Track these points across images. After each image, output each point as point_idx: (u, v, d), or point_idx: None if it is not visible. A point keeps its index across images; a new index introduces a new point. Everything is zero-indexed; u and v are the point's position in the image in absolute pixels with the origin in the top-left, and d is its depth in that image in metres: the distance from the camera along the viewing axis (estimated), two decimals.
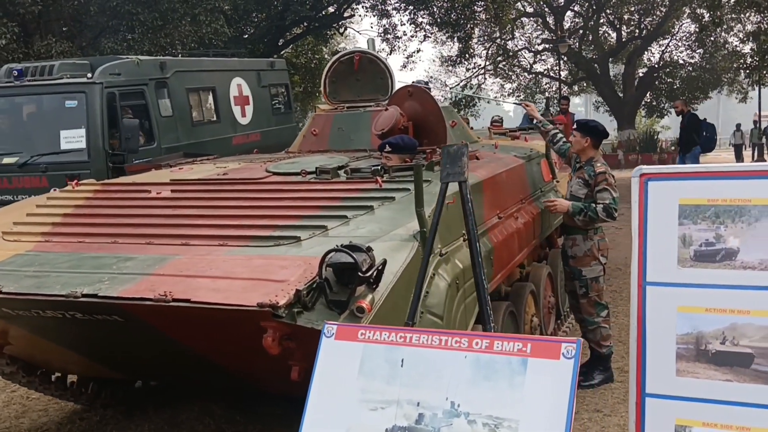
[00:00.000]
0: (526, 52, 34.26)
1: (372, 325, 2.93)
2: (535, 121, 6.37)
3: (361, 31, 33.32)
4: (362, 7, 26.63)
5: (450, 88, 33.81)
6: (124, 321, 3.57)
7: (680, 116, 13.95)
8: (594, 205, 5.40)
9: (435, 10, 26.40)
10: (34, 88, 9.75)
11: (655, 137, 31.48)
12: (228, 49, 22.25)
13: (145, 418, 5.46)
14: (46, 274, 3.71)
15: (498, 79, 35.29)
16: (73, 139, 9.55)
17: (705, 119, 14.24)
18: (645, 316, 2.38)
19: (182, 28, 16.27)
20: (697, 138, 13.47)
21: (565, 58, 31.72)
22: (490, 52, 33.29)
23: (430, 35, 28.50)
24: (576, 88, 36.01)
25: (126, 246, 4.04)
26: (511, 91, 35.80)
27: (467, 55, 31.14)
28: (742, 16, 26.97)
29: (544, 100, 31.12)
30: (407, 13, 26.71)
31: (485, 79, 33.96)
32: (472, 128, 8.15)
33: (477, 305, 4.46)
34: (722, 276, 2.33)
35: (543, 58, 34.56)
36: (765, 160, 22.28)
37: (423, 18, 27.18)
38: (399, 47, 28.55)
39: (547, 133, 6.15)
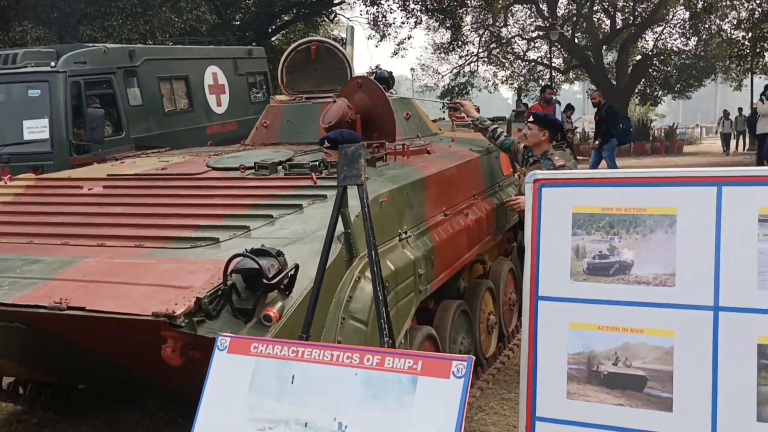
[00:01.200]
0: (520, 39, 33.93)
1: (266, 338, 2.75)
2: (470, 120, 6.08)
3: (351, 18, 32.85)
4: None
5: (443, 75, 33.56)
6: (27, 328, 3.40)
7: (596, 108, 13.77)
8: (496, 128, 5.47)
9: None
10: None
11: (649, 125, 31.24)
12: (214, 36, 22.05)
13: (85, 420, 5.30)
14: None
15: (491, 67, 34.98)
16: (36, 129, 9.34)
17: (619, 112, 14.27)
18: (537, 333, 2.22)
19: (162, 14, 16.00)
20: (614, 130, 13.35)
21: (558, 46, 31.43)
22: (483, 39, 32.98)
23: (420, 22, 28.19)
24: (571, 75, 35.74)
25: (40, 247, 3.86)
26: (504, 78, 35.53)
27: (460, 42, 30.91)
28: (736, 2, 26.69)
29: (538, 89, 30.86)
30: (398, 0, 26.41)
31: (478, 66, 33.64)
32: (443, 119, 7.95)
33: (413, 306, 4.31)
34: (615, 291, 2.16)
35: (537, 45, 34.23)
36: (753, 150, 22.05)
37: (414, 5, 26.90)
38: (390, 34, 28.22)
39: (486, 130, 5.93)
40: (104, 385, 4.99)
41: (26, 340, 3.65)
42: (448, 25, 28.15)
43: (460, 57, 33.04)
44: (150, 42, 15.53)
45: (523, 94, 31.18)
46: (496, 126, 5.98)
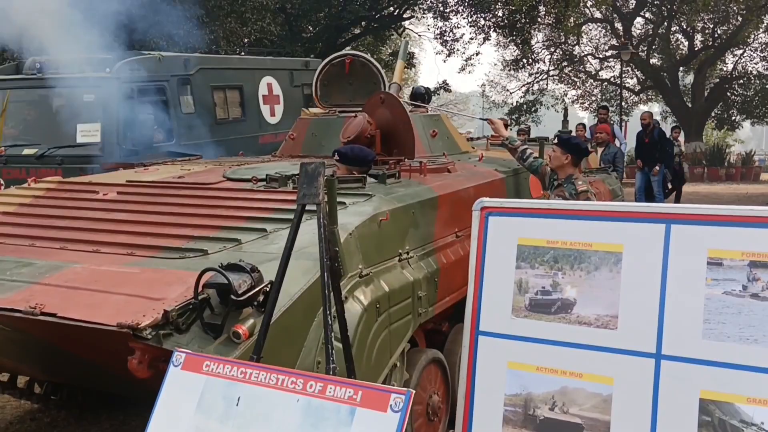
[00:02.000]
0: (592, 58, 33.31)
1: (218, 357, 2.69)
2: (502, 139, 5.88)
3: (420, 33, 32.85)
4: (419, 8, 26.32)
5: (511, 92, 33.21)
6: (10, 330, 3.43)
7: (646, 129, 12.93)
8: (526, 149, 5.34)
9: (499, 13, 25.93)
10: (55, 81, 9.82)
11: (726, 151, 30.17)
12: (282, 47, 22.39)
13: (96, 422, 5.36)
14: None
15: (562, 85, 34.44)
16: (89, 132, 9.59)
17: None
18: (475, 370, 2.08)
19: (228, 25, 16.30)
20: (661, 156, 12.59)
21: (632, 66, 30.69)
22: (554, 57, 32.51)
23: (489, 38, 27.95)
24: (645, 96, 34.87)
25: (38, 250, 3.91)
26: (575, 98, 34.94)
27: (530, 60, 30.53)
28: None
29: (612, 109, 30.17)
30: (467, 15, 26.27)
31: (548, 84, 33.16)
32: (474, 138, 7.79)
33: (410, 329, 4.18)
34: (556, 330, 2.01)
35: (610, 64, 33.53)
36: None
37: (485, 21, 26.72)
38: (458, 50, 28.08)
39: (515, 150, 5.74)
40: (100, 389, 5.01)
41: (13, 341, 3.69)
42: (518, 41, 27.84)
43: (530, 74, 32.66)
44: (220, 51, 15.84)
45: (594, 115, 30.49)
46: (525, 147, 5.78)
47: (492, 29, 26.91)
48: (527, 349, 2.06)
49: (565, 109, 8.41)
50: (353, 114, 5.48)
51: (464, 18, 26.19)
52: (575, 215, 2.05)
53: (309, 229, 3.86)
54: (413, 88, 8.80)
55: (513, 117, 31.36)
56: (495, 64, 34.11)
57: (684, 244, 1.99)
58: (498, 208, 2.13)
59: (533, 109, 32.29)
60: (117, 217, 4.33)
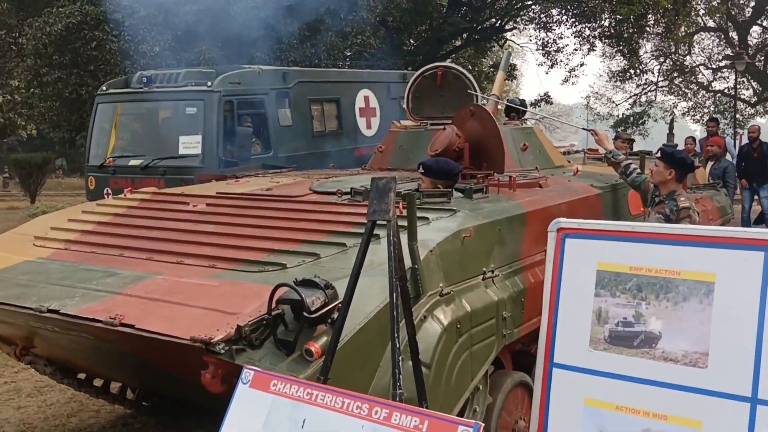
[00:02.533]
0: (704, 68, 31.93)
1: (286, 376, 2.62)
2: (604, 152, 5.66)
3: (522, 44, 32.39)
4: (521, 19, 25.96)
5: (616, 104, 32.25)
6: (95, 339, 3.49)
7: (753, 143, 11.87)
8: (630, 164, 5.13)
9: (605, 23, 25.28)
10: (160, 95, 10.18)
11: None
12: (383, 60, 22.51)
13: (185, 430, 5.43)
14: (34, 284, 3.72)
15: (671, 97, 33.18)
16: (190, 144, 9.88)
17: None
18: (548, 406, 1.92)
19: (329, 39, 16.54)
20: None
21: (748, 77, 29.24)
22: (663, 67, 31.36)
23: (594, 49, 27.23)
24: (761, 108, 33.11)
25: (126, 260, 3.99)
26: (685, 110, 33.58)
27: (638, 71, 29.55)
28: None
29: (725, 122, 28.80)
30: (571, 26, 25.71)
31: (656, 96, 32.01)
32: (571, 151, 7.52)
33: (494, 351, 4.01)
34: (639, 366, 1.82)
35: (724, 75, 32.06)
36: None
37: (591, 31, 26.08)
38: (561, 61, 27.51)
39: (618, 165, 5.50)
40: (182, 398, 5.06)
41: (101, 350, 3.76)
42: (625, 52, 27.00)
43: (638, 86, 31.64)
44: (321, 65, 16.09)
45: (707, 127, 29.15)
46: (629, 162, 5.53)
47: (597, 39, 26.26)
48: (606, 385, 1.89)
49: (671, 122, 8.02)
50: (442, 126, 5.36)
51: (568, 28, 25.67)
52: (662, 239, 1.87)
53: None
54: (508, 99, 8.59)
55: (619, 129, 30.40)
56: (600, 75, 33.29)
57: None
58: (576, 229, 1.97)
59: (640, 121, 31.23)
60: (203, 228, 4.36)
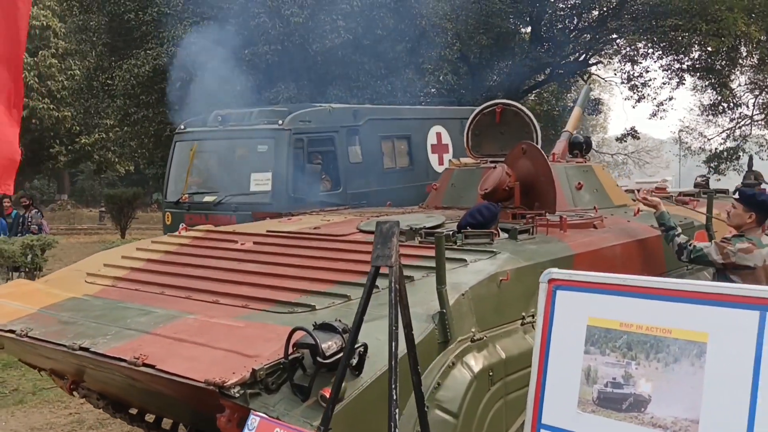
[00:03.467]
0: None
1: (290, 425, 2.56)
2: (655, 214, 4.96)
3: (607, 78, 31.74)
4: (605, 53, 25.48)
5: (710, 138, 31.08)
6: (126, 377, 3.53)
7: None
8: (679, 235, 4.78)
9: (694, 55, 24.58)
10: (233, 133, 10.44)
11: None
12: (462, 96, 22.50)
13: None
14: (74, 321, 3.80)
15: None
16: (261, 181, 10.05)
17: None
18: None
19: (405, 76, 16.66)
20: None
21: None
22: (758, 100, 30.08)
23: (684, 82, 26.41)
24: None
25: (166, 298, 4.04)
26: None
27: (731, 104, 28.46)
28: None
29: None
30: (658, 59, 25.08)
31: (751, 130, 30.69)
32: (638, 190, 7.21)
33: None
34: (627, 431, 1.67)
35: None
36: None
37: (679, 63, 25.38)
38: (648, 95, 26.81)
39: (665, 234, 4.88)
40: None
41: (132, 385, 3.80)
42: (716, 85, 26.10)
43: (731, 119, 30.43)
44: (397, 103, 16.21)
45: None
46: (674, 233, 4.82)
47: (686, 72, 25.51)
48: None
49: (750, 158, 7.61)
50: (494, 165, 5.26)
51: (655, 61, 25.04)
52: (654, 294, 1.72)
53: (424, 287, 3.69)
54: (571, 137, 8.37)
55: (712, 165, 29.29)
56: (691, 109, 32.18)
57: None
58: (568, 281, 1.85)
59: (734, 156, 29.98)
60: (245, 267, 4.39)
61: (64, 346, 3.48)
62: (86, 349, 3.39)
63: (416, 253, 4.15)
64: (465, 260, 3.93)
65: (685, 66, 25.25)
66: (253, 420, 2.62)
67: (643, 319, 1.73)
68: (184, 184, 10.94)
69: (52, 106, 21.03)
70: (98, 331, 3.59)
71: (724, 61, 24.25)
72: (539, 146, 6.51)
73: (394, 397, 2.47)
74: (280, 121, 10.14)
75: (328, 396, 2.90)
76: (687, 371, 1.66)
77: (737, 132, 30.67)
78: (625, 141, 28.81)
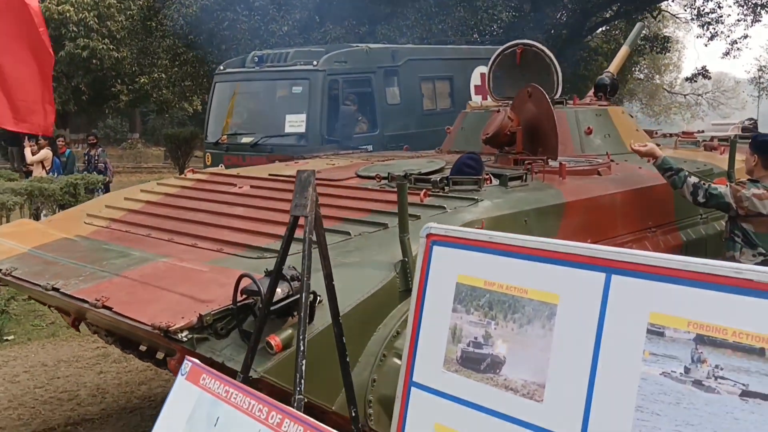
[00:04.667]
0: None
1: (214, 371, 2.56)
2: (652, 162, 4.62)
3: (678, 15, 30.27)
4: None
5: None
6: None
7: None
8: (690, 175, 4.44)
9: None
10: (269, 74, 10.42)
11: None
12: (523, 35, 21.81)
13: None
14: (56, 261, 3.89)
15: None
16: (296, 123, 10.05)
17: None
18: (405, 428, 1.73)
19: (456, 14, 16.25)
20: None
21: None
22: None
23: (760, 18, 25.00)
24: None
25: (150, 241, 4.09)
26: None
27: None
28: None
29: None
30: None
31: None
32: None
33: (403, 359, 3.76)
34: (482, 393, 1.61)
35: None
36: None
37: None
38: (722, 32, 25.51)
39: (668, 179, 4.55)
40: None
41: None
42: None
43: None
44: (448, 42, 15.84)
45: None
46: (686, 172, 4.49)
47: (763, 8, 24.11)
48: (455, 411, 1.67)
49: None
50: (497, 110, 5.09)
51: None
52: (515, 252, 1.61)
53: (395, 235, 3.62)
54: (597, 78, 8.01)
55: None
56: None
57: (624, 302, 1.47)
58: (444, 236, 1.76)
59: None
60: (234, 211, 4.39)
61: (40, 286, 3.57)
62: (57, 290, 3.47)
63: (392, 199, 4.07)
64: (444, 207, 3.83)
65: (762, 2, 23.86)
66: (186, 365, 2.64)
67: (505, 277, 1.63)
68: (224, 125, 11.04)
69: (112, 47, 21.36)
70: (75, 272, 3.66)
71: None
72: (559, 90, 6.29)
73: (302, 348, 2.44)
74: (315, 62, 10.06)
75: (273, 343, 2.90)
76: (538, 333, 1.57)
77: None
78: (695, 81, 27.59)
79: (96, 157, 12.94)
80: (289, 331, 2.96)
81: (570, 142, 5.16)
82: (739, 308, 1.33)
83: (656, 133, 7.35)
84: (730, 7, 24.27)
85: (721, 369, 1.37)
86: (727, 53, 26.65)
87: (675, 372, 1.43)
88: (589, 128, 5.29)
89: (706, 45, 27.87)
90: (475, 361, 1.67)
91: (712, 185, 4.46)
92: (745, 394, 1.34)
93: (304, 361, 2.45)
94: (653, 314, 1.45)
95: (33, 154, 12.77)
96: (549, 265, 1.57)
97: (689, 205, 4.98)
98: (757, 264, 4.49)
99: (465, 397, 1.66)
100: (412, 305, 1.85)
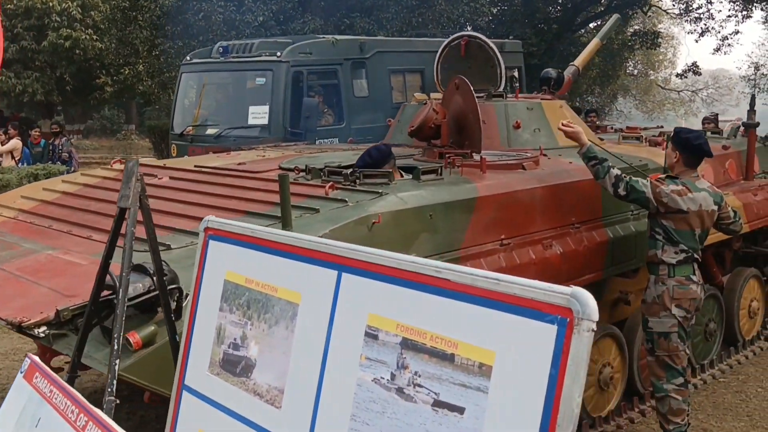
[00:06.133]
0: None
1: (47, 369, 2.45)
2: (578, 151, 4.47)
3: (667, 10, 30.03)
4: None
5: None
6: None
7: None
8: (612, 167, 4.30)
9: None
10: (233, 65, 10.28)
11: None
12: (512, 30, 21.67)
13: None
14: None
15: None
16: (259, 114, 9.91)
17: None
18: None
19: (437, 7, 16.09)
20: None
21: None
22: None
23: (751, 15, 24.80)
24: None
25: (48, 232, 3.99)
26: None
27: None
28: None
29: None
30: None
31: None
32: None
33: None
34: (235, 398, 1.50)
35: None
36: None
37: None
38: (713, 28, 25.33)
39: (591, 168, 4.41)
40: None
41: None
42: None
43: None
44: (429, 35, 15.67)
45: None
46: (598, 163, 4.34)
47: (755, 3, 23.90)
48: (216, 417, 1.56)
49: (753, 96, 7.02)
50: (425, 102, 4.97)
51: None
52: (270, 248, 1.50)
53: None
54: (577, 72, 7.88)
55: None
56: (762, 44, 30.38)
57: (350, 302, 1.36)
58: (219, 230, 1.64)
59: None
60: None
61: None
62: None
63: (302, 192, 3.97)
64: (346, 201, 3.72)
65: None
66: (26, 362, 2.53)
67: (261, 275, 1.52)
68: (190, 116, 10.91)
69: (95, 37, 21.21)
70: None
71: None
72: (502, 82, 6.16)
73: (116, 348, 2.32)
74: (279, 53, 9.91)
75: (132, 340, 2.79)
76: (282, 335, 1.46)
77: None
78: (686, 77, 27.42)
79: (60, 147, 12.78)
80: (152, 327, 2.85)
81: (497, 136, 5.05)
82: (437, 310, 1.22)
83: (610, 128, 7.24)
84: (721, 2, 23.97)
85: (419, 376, 1.26)
86: (717, 49, 26.48)
87: (383, 378, 1.32)
88: (517, 122, 5.16)
89: (696, 41, 27.61)
90: (233, 364, 1.57)
91: (634, 179, 4.34)
92: (437, 403, 1.23)
93: (117, 361, 2.32)
94: (371, 315, 1.34)
95: (2, 144, 12.64)
96: (295, 262, 1.46)
97: (619, 202, 4.86)
98: (679, 261, 4.38)
99: (223, 402, 1.55)
100: (188, 304, 1.73)
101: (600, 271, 4.67)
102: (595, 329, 1.16)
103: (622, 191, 4.30)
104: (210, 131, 10.39)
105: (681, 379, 4.44)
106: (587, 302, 1.14)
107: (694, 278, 4.40)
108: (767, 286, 6.64)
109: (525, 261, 4.15)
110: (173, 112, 11.20)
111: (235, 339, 1.59)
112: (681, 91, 37.64)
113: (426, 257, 3.71)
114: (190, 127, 10.72)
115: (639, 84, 37.14)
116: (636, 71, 36.17)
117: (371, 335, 1.36)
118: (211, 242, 1.71)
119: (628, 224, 4.88)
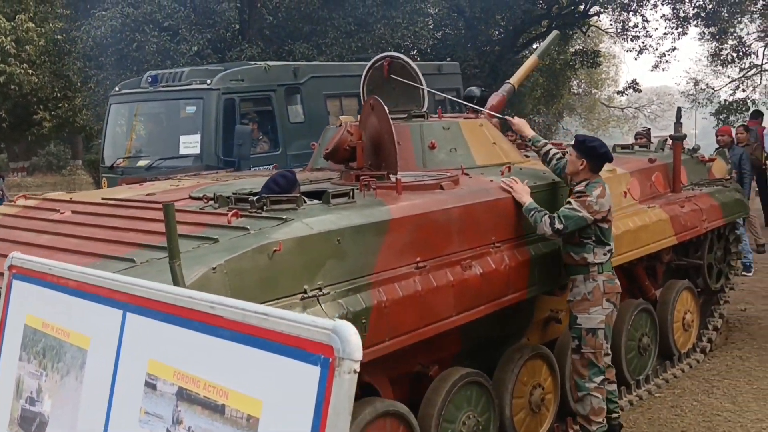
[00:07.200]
0: None
1: None
2: (526, 141, 5.17)
3: (607, 30, 30.64)
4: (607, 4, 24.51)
5: (715, 90, 30.00)
6: None
7: None
8: (541, 211, 4.48)
9: (701, 1, 23.69)
10: (162, 94, 10.05)
11: None
12: (454, 53, 21.79)
13: None
14: None
15: None
16: (190, 144, 9.69)
17: None
18: None
19: (376, 31, 16.07)
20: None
21: None
22: None
23: (687, 32, 25.37)
24: None
25: None
26: None
27: (740, 54, 27.38)
28: None
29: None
30: (664, 6, 24.15)
31: (761, 80, 29.57)
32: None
33: None
34: None
35: None
36: None
37: (685, 12, 24.42)
38: (650, 45, 25.86)
39: (539, 151, 5.07)
40: None
41: None
42: (721, 34, 25.12)
43: (741, 69, 29.29)
44: (370, 59, 15.62)
45: None
46: (549, 147, 5.06)
47: (689, 21, 24.47)
48: None
49: (678, 109, 7.07)
50: (339, 124, 4.83)
51: (654, 11, 24.08)
52: (64, 286, 1.33)
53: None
54: (512, 90, 7.82)
55: (720, 117, 28.29)
56: (699, 60, 31.07)
57: (133, 346, 1.21)
58: (23, 269, 1.46)
59: (744, 108, 28.89)
60: (38, 240, 4.05)
61: None
62: None
63: (204, 221, 3.78)
64: (248, 229, 3.54)
65: (690, 14, 24.28)
66: None
67: (57, 317, 1.35)
68: (121, 147, 10.63)
69: (30, 71, 20.73)
70: None
71: (729, 8, 23.29)
72: (425, 103, 6.07)
73: None
74: (209, 81, 9.73)
75: None
76: (72, 386, 1.29)
77: (747, 83, 29.62)
78: (627, 94, 27.91)
79: None
80: None
81: (412, 156, 4.92)
82: (211, 353, 1.06)
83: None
84: (657, 21, 24.51)
85: None
86: (656, 66, 27.02)
87: None
88: (432, 143, 5.03)
89: (635, 59, 28.20)
90: (29, 421, 1.38)
91: (562, 211, 4.47)
92: None
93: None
94: (151, 362, 1.18)
95: None
96: (86, 302, 1.29)
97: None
98: (606, 259, 4.51)
99: None
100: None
101: (524, 290, 4.55)
102: (358, 370, 1.00)
103: (559, 225, 4.42)
104: (141, 163, 10.12)
105: (601, 377, 4.59)
106: (348, 338, 0.99)
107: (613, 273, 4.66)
108: (700, 297, 6.63)
109: (442, 283, 4.01)
110: (102, 144, 10.93)
111: (31, 392, 1.41)
112: (625, 108, 38.35)
113: (334, 284, 3.57)
114: (121, 159, 10.45)
115: (583, 102, 37.74)
116: (580, 90, 36.76)
117: (150, 385, 1.19)
118: (15, 282, 1.52)
119: (551, 241, 4.77)
